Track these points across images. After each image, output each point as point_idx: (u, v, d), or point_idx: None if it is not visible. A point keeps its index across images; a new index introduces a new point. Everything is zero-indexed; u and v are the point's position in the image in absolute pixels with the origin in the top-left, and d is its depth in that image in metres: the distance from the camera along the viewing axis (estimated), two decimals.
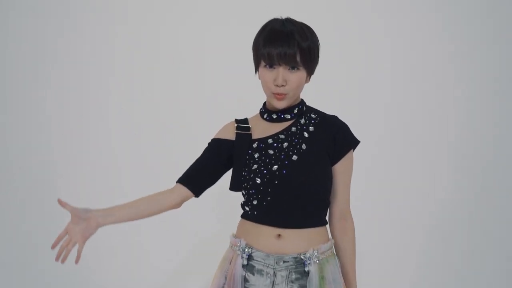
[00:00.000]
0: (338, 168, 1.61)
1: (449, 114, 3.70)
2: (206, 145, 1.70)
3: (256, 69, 1.61)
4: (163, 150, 3.91)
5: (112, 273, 3.59)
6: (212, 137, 1.68)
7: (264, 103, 1.67)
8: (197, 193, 1.63)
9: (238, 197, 1.74)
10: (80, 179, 3.89)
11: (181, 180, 1.62)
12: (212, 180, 1.66)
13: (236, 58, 3.24)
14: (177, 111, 3.88)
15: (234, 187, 1.58)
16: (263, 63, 1.53)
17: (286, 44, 1.48)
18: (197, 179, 1.63)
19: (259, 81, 1.61)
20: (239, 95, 3.47)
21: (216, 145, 1.65)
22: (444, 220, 3.64)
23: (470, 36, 3.75)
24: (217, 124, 1.82)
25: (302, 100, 1.65)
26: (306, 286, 1.51)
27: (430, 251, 3.60)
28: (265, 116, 1.65)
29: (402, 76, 3.74)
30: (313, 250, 1.52)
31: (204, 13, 3.93)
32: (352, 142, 1.62)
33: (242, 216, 1.65)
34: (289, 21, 1.55)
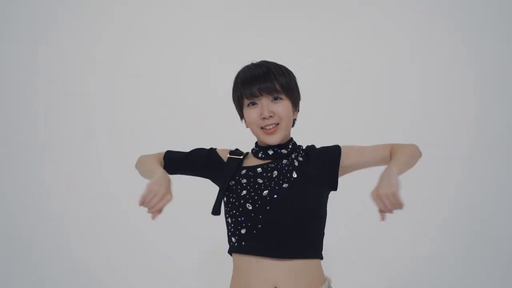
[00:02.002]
0: (349, 161, 1.56)
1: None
2: (202, 146, 1.73)
3: (241, 116, 1.59)
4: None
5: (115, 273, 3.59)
6: (212, 147, 1.69)
7: (256, 143, 1.62)
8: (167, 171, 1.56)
9: None
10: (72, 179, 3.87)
11: (166, 158, 1.67)
12: (183, 171, 1.69)
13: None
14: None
15: (216, 211, 1.51)
16: (245, 103, 1.52)
17: (263, 79, 1.48)
18: (176, 164, 1.67)
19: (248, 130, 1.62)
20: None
21: (210, 153, 1.65)
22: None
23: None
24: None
25: (291, 137, 1.61)
26: None
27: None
28: (259, 155, 1.57)
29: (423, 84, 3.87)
30: None
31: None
32: (336, 149, 1.58)
33: (230, 251, 1.54)
34: (262, 62, 1.56)
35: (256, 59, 1.63)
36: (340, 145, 1.59)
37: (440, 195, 3.64)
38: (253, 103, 1.50)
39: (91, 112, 3.95)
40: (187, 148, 1.76)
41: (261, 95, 1.47)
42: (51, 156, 3.88)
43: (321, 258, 1.52)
